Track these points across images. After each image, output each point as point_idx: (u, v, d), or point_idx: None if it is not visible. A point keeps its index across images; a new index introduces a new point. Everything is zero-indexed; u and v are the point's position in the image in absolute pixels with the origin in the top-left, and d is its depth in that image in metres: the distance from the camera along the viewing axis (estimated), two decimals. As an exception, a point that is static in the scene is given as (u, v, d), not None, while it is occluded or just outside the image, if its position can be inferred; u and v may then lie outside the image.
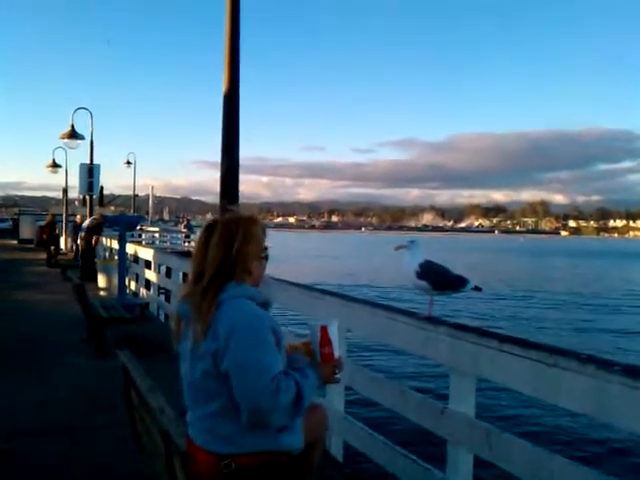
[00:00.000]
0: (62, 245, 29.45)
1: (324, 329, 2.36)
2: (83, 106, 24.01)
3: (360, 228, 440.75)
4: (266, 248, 2.50)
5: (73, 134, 22.95)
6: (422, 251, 3.82)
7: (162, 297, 13.31)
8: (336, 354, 2.38)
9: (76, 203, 44.65)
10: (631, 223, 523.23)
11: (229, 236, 2.39)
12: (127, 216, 17.97)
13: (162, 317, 11.85)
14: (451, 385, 3.47)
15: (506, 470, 3.04)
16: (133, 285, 14.67)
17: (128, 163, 43.45)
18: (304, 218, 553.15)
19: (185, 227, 39.03)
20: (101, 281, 15.44)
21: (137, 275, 14.48)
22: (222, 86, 6.23)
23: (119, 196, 69.18)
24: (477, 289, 3.76)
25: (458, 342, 3.37)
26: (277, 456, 2.28)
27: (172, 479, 2.53)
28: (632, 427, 2.59)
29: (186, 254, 28.67)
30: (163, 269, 13.85)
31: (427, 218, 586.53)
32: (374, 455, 3.97)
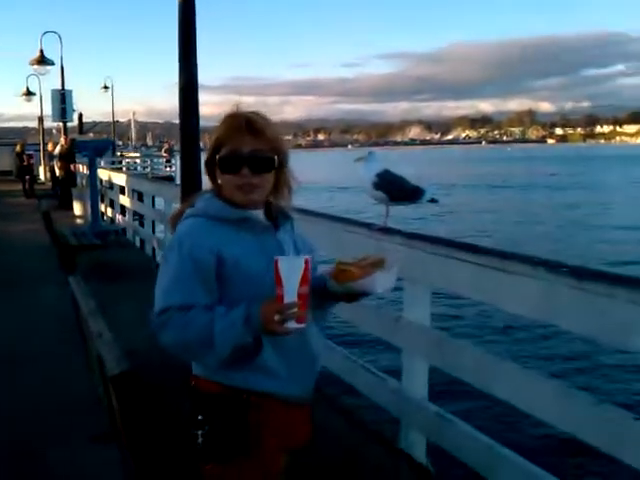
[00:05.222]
0: (42, 175, 28.98)
1: (275, 263, 1.78)
2: (52, 30, 23.14)
3: (347, 145, 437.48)
4: (222, 155, 1.92)
5: (42, 59, 22.17)
6: (379, 162, 3.73)
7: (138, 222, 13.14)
8: (288, 297, 1.76)
9: (54, 132, 43.72)
10: (617, 128, 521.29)
11: None
12: (95, 140, 17.44)
13: (138, 242, 11.72)
14: (405, 293, 3.41)
15: (457, 378, 3.02)
16: (110, 212, 14.49)
17: (105, 87, 42.42)
18: (290, 137, 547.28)
19: (166, 152, 38.29)
20: (77, 209, 15.23)
21: (112, 201, 14.27)
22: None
23: (100, 123, 67.99)
24: (433, 201, 3.68)
25: (411, 251, 3.29)
26: (238, 392, 1.96)
27: (108, 403, 2.48)
28: (578, 329, 2.55)
29: (167, 179, 28.47)
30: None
31: (414, 132, 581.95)
32: (332, 367, 3.94)
